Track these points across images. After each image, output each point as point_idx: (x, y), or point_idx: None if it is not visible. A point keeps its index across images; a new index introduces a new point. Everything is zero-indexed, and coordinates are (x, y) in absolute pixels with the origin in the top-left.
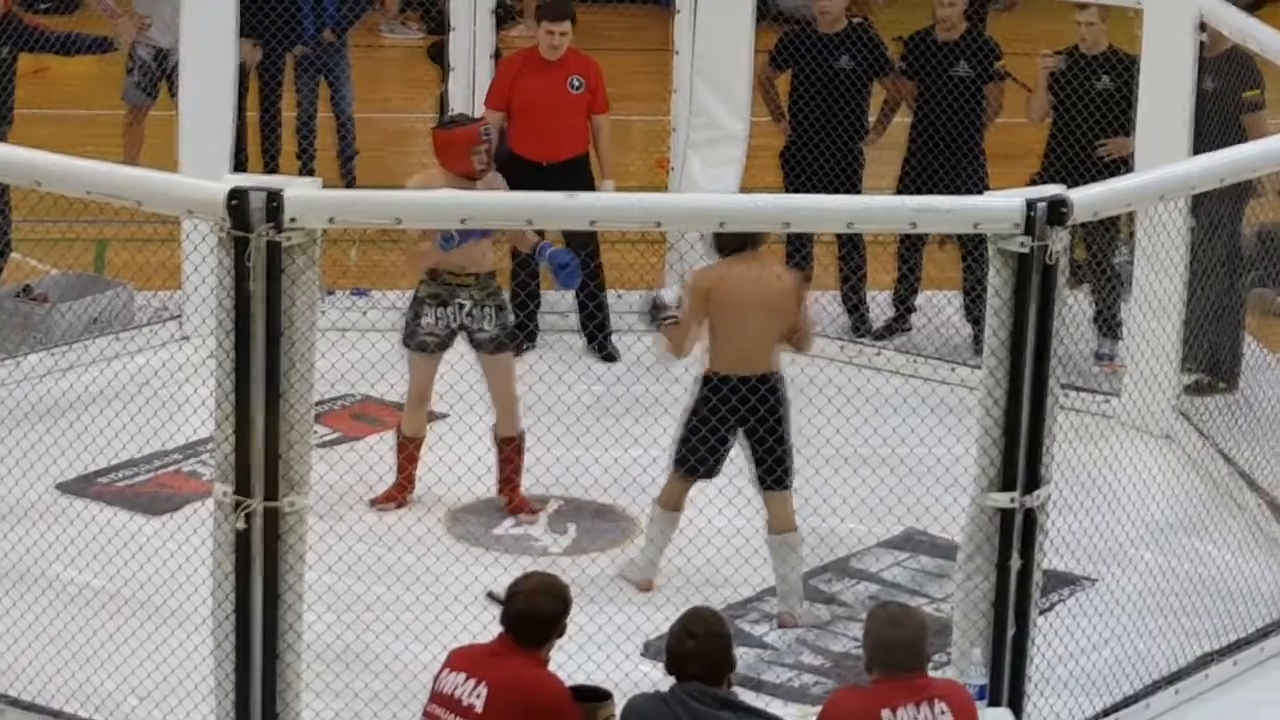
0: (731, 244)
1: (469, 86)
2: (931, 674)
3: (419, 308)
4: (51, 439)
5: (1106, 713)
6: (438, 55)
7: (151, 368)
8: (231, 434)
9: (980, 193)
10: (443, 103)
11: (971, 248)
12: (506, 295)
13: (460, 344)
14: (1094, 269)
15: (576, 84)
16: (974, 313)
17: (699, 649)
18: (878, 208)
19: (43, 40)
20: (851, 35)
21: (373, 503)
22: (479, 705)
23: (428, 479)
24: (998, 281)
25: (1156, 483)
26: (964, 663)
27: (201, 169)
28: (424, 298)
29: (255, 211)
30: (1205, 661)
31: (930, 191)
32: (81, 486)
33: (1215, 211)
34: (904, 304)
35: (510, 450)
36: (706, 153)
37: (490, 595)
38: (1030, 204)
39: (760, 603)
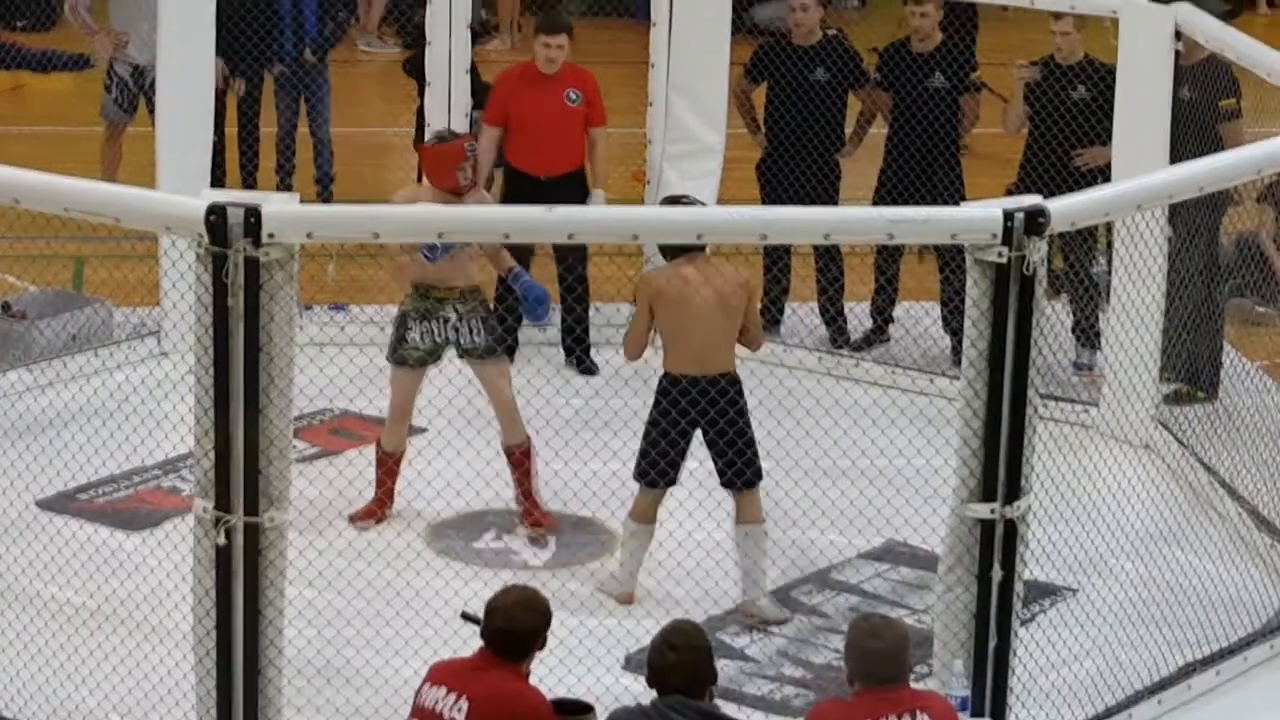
0: (677, 246)
1: (445, 101)
2: (914, 685)
3: (404, 322)
4: (31, 455)
5: None
6: (414, 70)
7: (130, 384)
8: (211, 449)
9: (958, 203)
10: (420, 118)
11: (949, 258)
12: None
13: (442, 359)
14: (1072, 279)
15: (573, 97)
16: (952, 324)
17: (680, 662)
18: (855, 219)
19: (19, 57)
20: (826, 47)
21: (352, 518)
22: (460, 719)
23: (407, 493)
24: (976, 292)
25: (1137, 492)
26: (946, 674)
27: (180, 185)
28: (409, 312)
29: (234, 227)
30: (1188, 671)
31: (907, 202)
32: (61, 503)
33: (1193, 221)
34: (882, 315)
35: (519, 456)
36: (683, 165)
37: (465, 616)
38: (1008, 214)
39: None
